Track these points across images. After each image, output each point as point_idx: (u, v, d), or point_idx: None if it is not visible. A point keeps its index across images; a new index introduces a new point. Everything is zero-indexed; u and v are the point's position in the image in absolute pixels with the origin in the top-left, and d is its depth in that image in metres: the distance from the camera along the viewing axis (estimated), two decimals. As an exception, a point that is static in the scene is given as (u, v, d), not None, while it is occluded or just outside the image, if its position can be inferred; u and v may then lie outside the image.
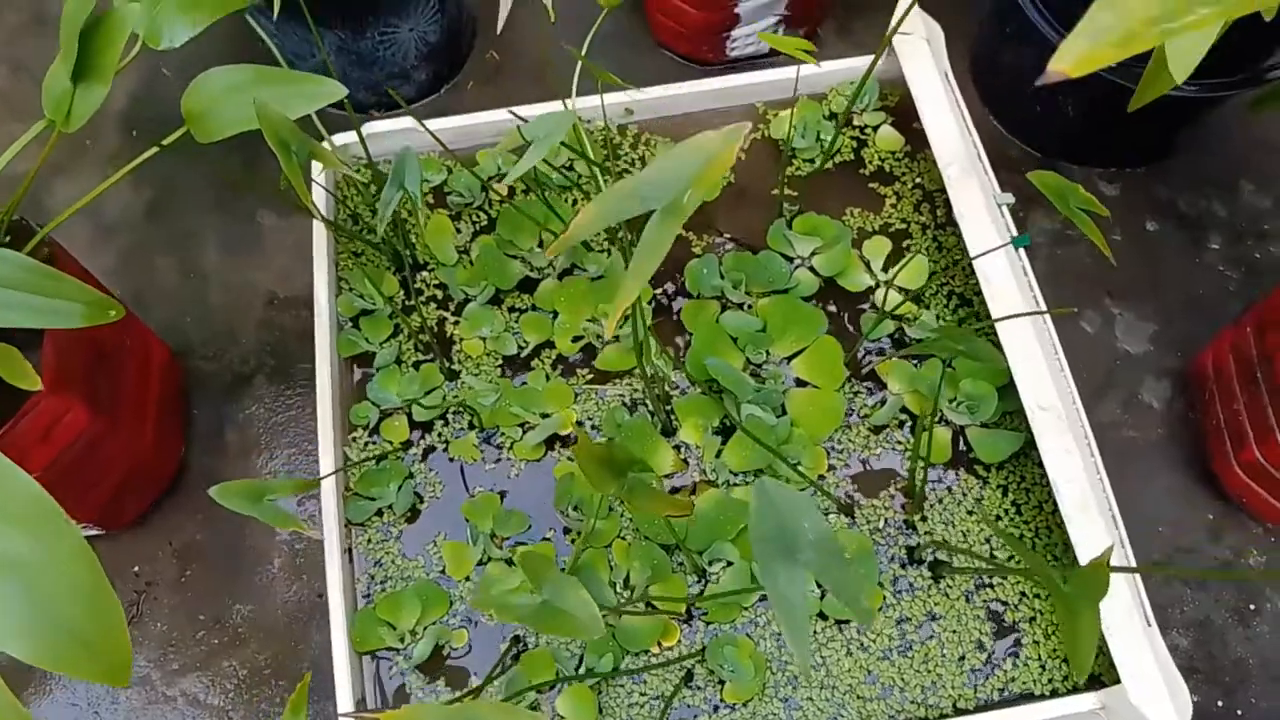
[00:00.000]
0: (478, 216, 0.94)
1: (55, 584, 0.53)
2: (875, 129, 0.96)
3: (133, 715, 0.93)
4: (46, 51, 1.31)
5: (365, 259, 0.92)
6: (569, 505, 0.80)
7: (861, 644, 0.76)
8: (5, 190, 0.96)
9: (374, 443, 0.85)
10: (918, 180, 0.94)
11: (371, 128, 0.92)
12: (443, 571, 0.79)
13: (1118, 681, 0.69)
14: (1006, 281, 0.78)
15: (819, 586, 0.77)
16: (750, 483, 0.81)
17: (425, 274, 0.92)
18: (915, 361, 0.85)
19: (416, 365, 0.87)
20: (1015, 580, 0.77)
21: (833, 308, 0.88)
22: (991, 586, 0.78)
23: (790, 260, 0.90)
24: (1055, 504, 0.74)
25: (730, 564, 0.77)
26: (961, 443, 0.83)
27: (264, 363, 1.08)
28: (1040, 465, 0.76)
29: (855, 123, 0.96)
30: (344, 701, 0.72)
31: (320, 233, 0.87)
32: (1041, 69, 0.99)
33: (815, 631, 0.76)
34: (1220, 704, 0.92)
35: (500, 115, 0.94)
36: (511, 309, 0.90)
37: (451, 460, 0.84)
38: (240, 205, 1.17)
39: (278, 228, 1.16)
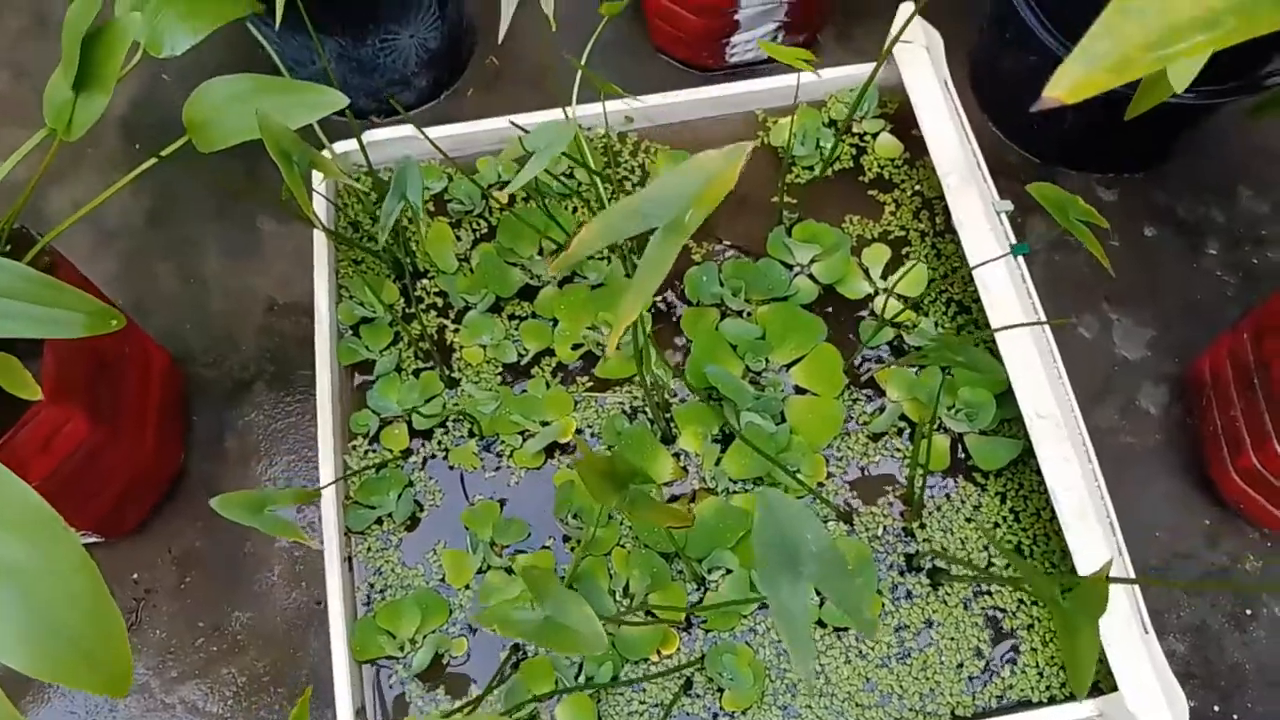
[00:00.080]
0: (478, 224, 0.94)
1: (55, 594, 0.53)
2: (875, 136, 0.97)
3: (133, 722, 0.93)
4: (47, 56, 1.31)
5: (365, 267, 0.92)
6: (569, 513, 0.80)
7: (860, 651, 0.76)
8: (5, 197, 0.96)
9: (374, 451, 0.85)
10: (917, 187, 0.94)
11: (372, 135, 0.93)
12: (442, 580, 0.80)
13: (1115, 689, 0.69)
14: (1005, 290, 0.79)
15: (817, 594, 0.77)
16: (750, 490, 0.81)
17: (425, 282, 0.92)
18: (914, 369, 0.85)
19: (416, 373, 0.87)
20: (1013, 587, 0.78)
21: (832, 315, 0.88)
22: (989, 594, 0.78)
23: (790, 268, 0.90)
24: (1053, 511, 0.74)
25: (730, 572, 0.78)
26: (960, 450, 0.83)
27: (264, 369, 1.08)
28: (1038, 472, 0.76)
29: (855, 130, 0.97)
30: (344, 711, 0.73)
31: (321, 241, 0.88)
32: (1041, 76, 0.99)
33: (814, 639, 0.76)
34: (1216, 709, 0.93)
35: (501, 123, 0.94)
36: (512, 316, 0.90)
37: (451, 468, 0.84)
38: (240, 211, 1.17)
39: (277, 234, 1.16)
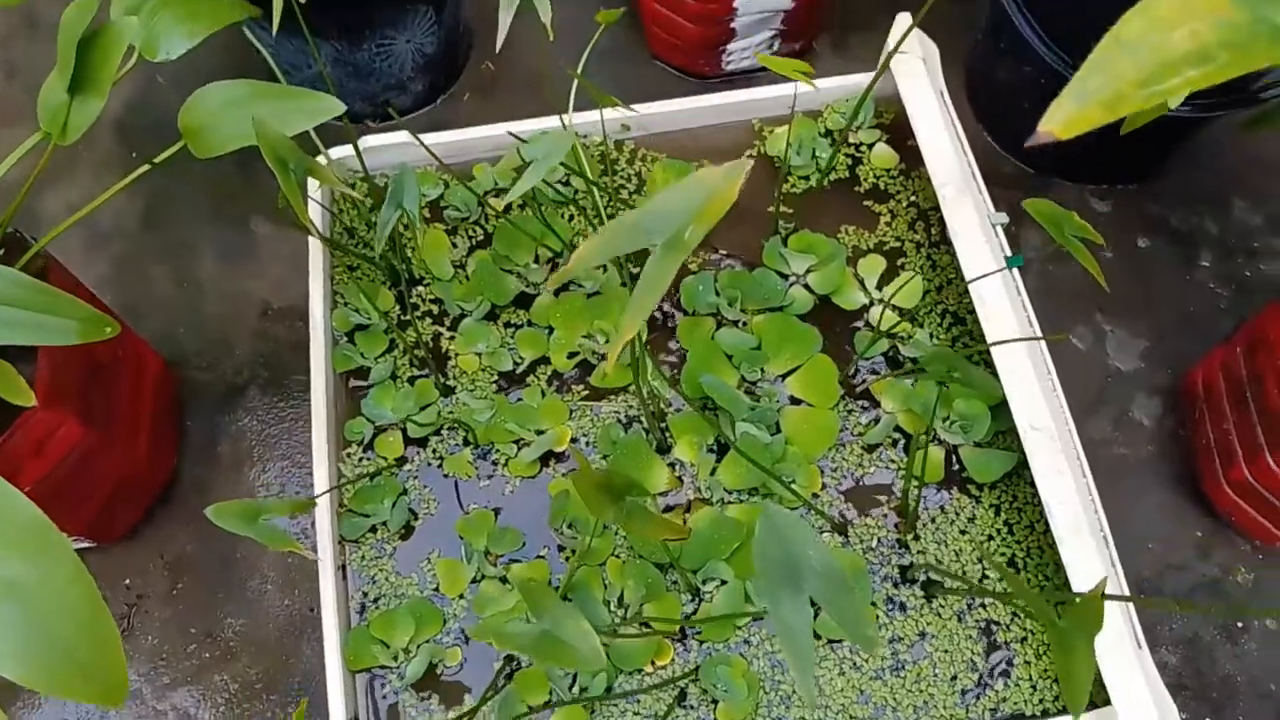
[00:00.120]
0: (474, 231, 0.94)
1: (50, 606, 0.53)
2: (870, 146, 0.97)
3: (123, 728, 0.93)
4: (39, 55, 1.31)
5: (361, 273, 0.92)
6: (563, 523, 0.80)
7: (854, 663, 0.76)
8: (-2, 199, 0.96)
9: (368, 458, 0.85)
10: (912, 198, 0.95)
11: (368, 142, 0.92)
12: (436, 589, 0.79)
13: (1108, 702, 0.70)
14: (1000, 303, 0.79)
15: (811, 604, 0.77)
16: (745, 501, 0.81)
17: (421, 288, 0.92)
18: (909, 380, 0.85)
19: (412, 380, 0.87)
20: (1007, 604, 0.78)
21: (827, 325, 0.88)
22: (984, 606, 0.78)
23: (785, 277, 0.90)
24: (1047, 524, 0.75)
25: (724, 583, 0.78)
26: (954, 462, 0.83)
27: (257, 374, 1.08)
28: (1032, 485, 0.77)
29: (850, 140, 0.97)
30: (338, 720, 0.72)
31: (316, 248, 0.87)
32: (1036, 87, 1.00)
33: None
34: (1208, 721, 0.93)
35: (497, 130, 0.94)
36: (507, 324, 0.90)
37: (446, 476, 0.84)
38: (235, 214, 1.17)
39: (272, 237, 1.16)
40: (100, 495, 0.91)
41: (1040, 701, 0.75)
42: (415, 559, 0.81)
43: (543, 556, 0.81)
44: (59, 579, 0.53)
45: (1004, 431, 0.83)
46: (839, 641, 0.77)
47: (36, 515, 0.53)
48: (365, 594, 0.80)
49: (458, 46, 1.21)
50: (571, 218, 0.94)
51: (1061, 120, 0.27)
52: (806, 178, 0.95)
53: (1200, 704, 0.93)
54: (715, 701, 0.75)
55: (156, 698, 0.94)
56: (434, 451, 0.85)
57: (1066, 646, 0.45)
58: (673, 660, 0.76)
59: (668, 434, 0.84)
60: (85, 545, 0.97)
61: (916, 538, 0.81)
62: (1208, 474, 0.98)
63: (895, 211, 0.94)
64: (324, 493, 0.78)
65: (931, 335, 0.88)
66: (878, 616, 0.78)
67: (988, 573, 0.79)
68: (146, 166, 0.79)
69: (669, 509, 0.82)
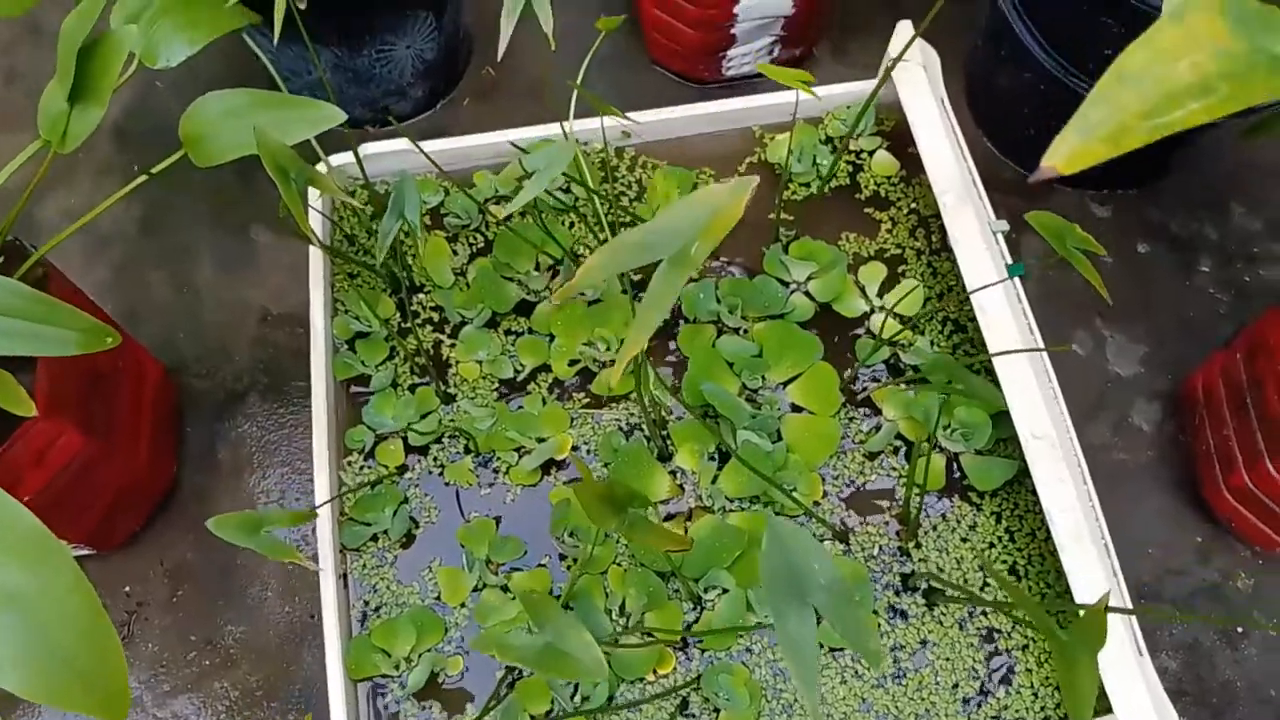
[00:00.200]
0: (474, 238, 0.94)
1: (50, 616, 0.53)
2: (871, 154, 0.97)
3: (124, 737, 0.93)
4: (40, 61, 1.31)
5: (361, 281, 0.91)
6: (565, 531, 0.80)
7: (856, 671, 0.76)
8: (-3, 206, 0.96)
9: (369, 467, 0.85)
10: (913, 205, 0.95)
11: (368, 149, 0.92)
12: (438, 598, 0.79)
13: (1109, 710, 0.70)
14: (1002, 312, 0.79)
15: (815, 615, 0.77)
16: (746, 509, 0.81)
17: (422, 296, 0.91)
18: (910, 388, 0.85)
19: (412, 389, 0.87)
20: (1008, 616, 0.78)
21: (828, 333, 0.88)
22: (985, 613, 0.78)
23: (786, 285, 0.90)
24: (1048, 531, 0.75)
25: (726, 591, 0.78)
26: (955, 469, 0.83)
27: (257, 380, 1.08)
28: (1033, 492, 0.77)
29: (851, 147, 0.97)
30: (339, 729, 0.72)
31: (316, 257, 0.87)
32: (1036, 93, 1.00)
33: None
34: (1209, 727, 0.93)
35: (498, 137, 0.94)
36: (508, 332, 0.90)
37: (447, 484, 0.84)
38: (234, 220, 1.17)
39: (272, 243, 1.16)
40: (101, 504, 0.91)
41: (1042, 709, 0.75)
42: (416, 567, 0.81)
43: (544, 565, 0.81)
44: (59, 588, 0.53)
45: (1005, 439, 0.83)
46: (841, 650, 0.77)
47: (36, 525, 0.53)
48: (367, 603, 0.80)
49: (458, 52, 1.21)
50: (572, 225, 0.94)
51: (1065, 154, 0.27)
52: (807, 185, 0.95)
53: (1201, 709, 0.94)
54: (717, 710, 0.75)
55: (157, 705, 0.94)
56: (435, 459, 0.85)
57: (1070, 660, 0.45)
58: (674, 669, 0.76)
59: (669, 442, 0.84)
60: (85, 553, 0.97)
61: (918, 545, 0.81)
62: (1208, 479, 0.98)
63: (896, 219, 0.94)
64: (325, 503, 0.78)
65: (932, 343, 0.88)
66: (879, 624, 0.78)
67: (989, 580, 0.80)
68: (145, 177, 0.79)
69: (670, 517, 0.82)
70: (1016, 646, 0.77)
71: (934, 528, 0.81)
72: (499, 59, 0.74)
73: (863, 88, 0.96)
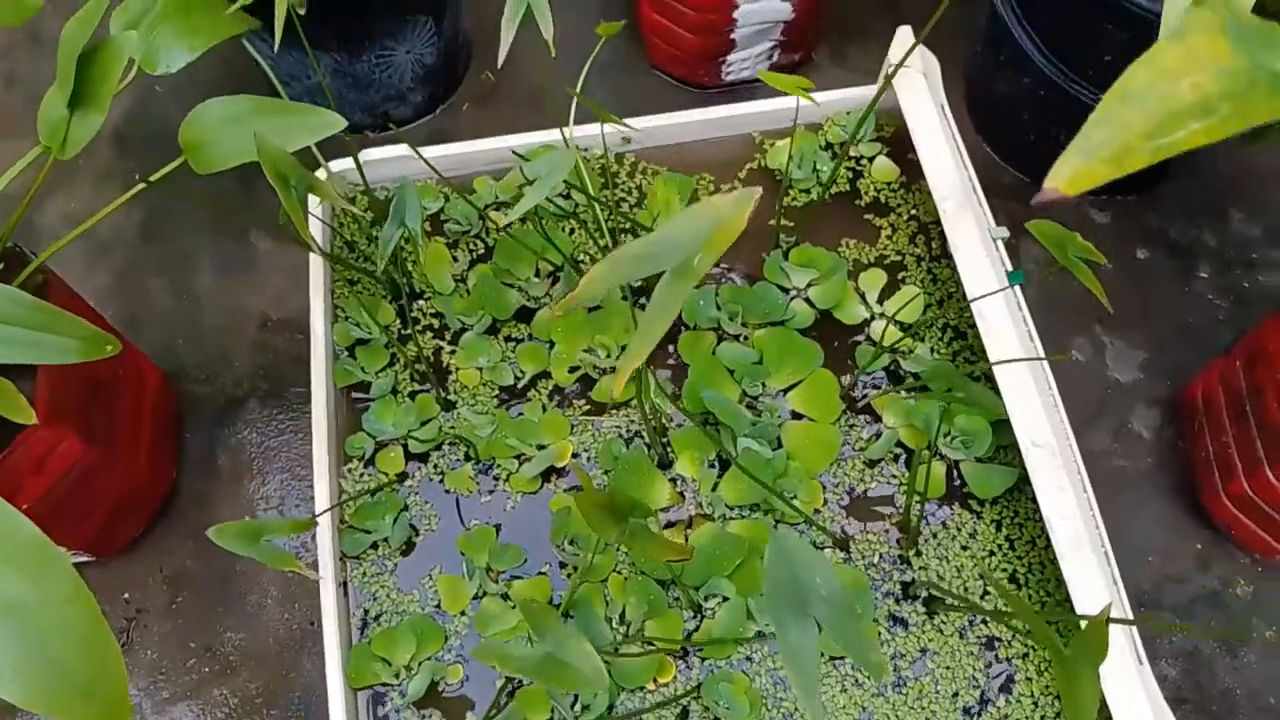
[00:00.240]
0: (475, 245, 0.94)
1: (50, 626, 0.53)
2: (871, 160, 0.97)
3: (123, 743, 0.93)
4: (40, 66, 1.30)
5: (361, 287, 0.91)
6: (565, 539, 0.80)
7: (856, 680, 0.76)
8: (-4, 212, 0.96)
9: (369, 474, 0.84)
10: (913, 212, 0.95)
11: (368, 155, 0.92)
12: (438, 606, 0.79)
13: (1109, 719, 0.70)
14: (1002, 319, 0.79)
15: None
16: (747, 517, 0.81)
17: (422, 302, 0.91)
18: (910, 395, 0.85)
19: (413, 395, 0.87)
20: (1008, 627, 0.78)
21: (828, 339, 0.88)
22: (985, 621, 0.78)
23: (786, 291, 0.90)
24: (1048, 539, 0.75)
25: (726, 599, 0.78)
26: (956, 477, 0.83)
27: (257, 386, 1.08)
28: (1034, 500, 0.77)
29: (851, 153, 0.97)
30: (339, 738, 0.72)
31: (316, 264, 0.87)
32: (1035, 99, 1.00)
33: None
34: (1208, 734, 0.93)
35: (498, 143, 0.94)
36: (508, 339, 0.90)
37: (447, 492, 0.84)
38: (234, 226, 1.17)
39: (272, 250, 1.16)
40: (101, 512, 0.91)
41: (1042, 718, 0.75)
42: (416, 575, 0.81)
43: (544, 573, 0.81)
44: (58, 597, 0.53)
45: (1005, 446, 0.83)
46: (841, 658, 0.77)
47: (35, 534, 0.53)
48: (366, 611, 0.80)
49: (457, 57, 1.21)
50: (572, 231, 0.94)
51: (1068, 176, 0.27)
52: (807, 191, 0.95)
53: (1200, 717, 0.94)
54: (717, 719, 0.75)
55: (156, 712, 0.94)
56: (435, 467, 0.85)
57: (1071, 673, 0.45)
58: (675, 677, 0.76)
59: (669, 449, 0.84)
60: (85, 559, 0.97)
61: (918, 553, 0.81)
62: (1207, 487, 0.98)
63: (896, 225, 0.94)
64: (325, 511, 0.77)
65: (932, 349, 0.88)
66: (880, 633, 0.78)
67: (989, 588, 0.79)
68: (144, 185, 0.79)
69: (671, 525, 0.82)
70: (1017, 655, 0.77)
71: (934, 535, 0.81)
72: (499, 66, 0.74)
73: (862, 93, 0.96)
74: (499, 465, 0.84)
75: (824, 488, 0.83)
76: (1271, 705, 0.94)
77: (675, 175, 0.95)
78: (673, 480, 0.83)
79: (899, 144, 0.97)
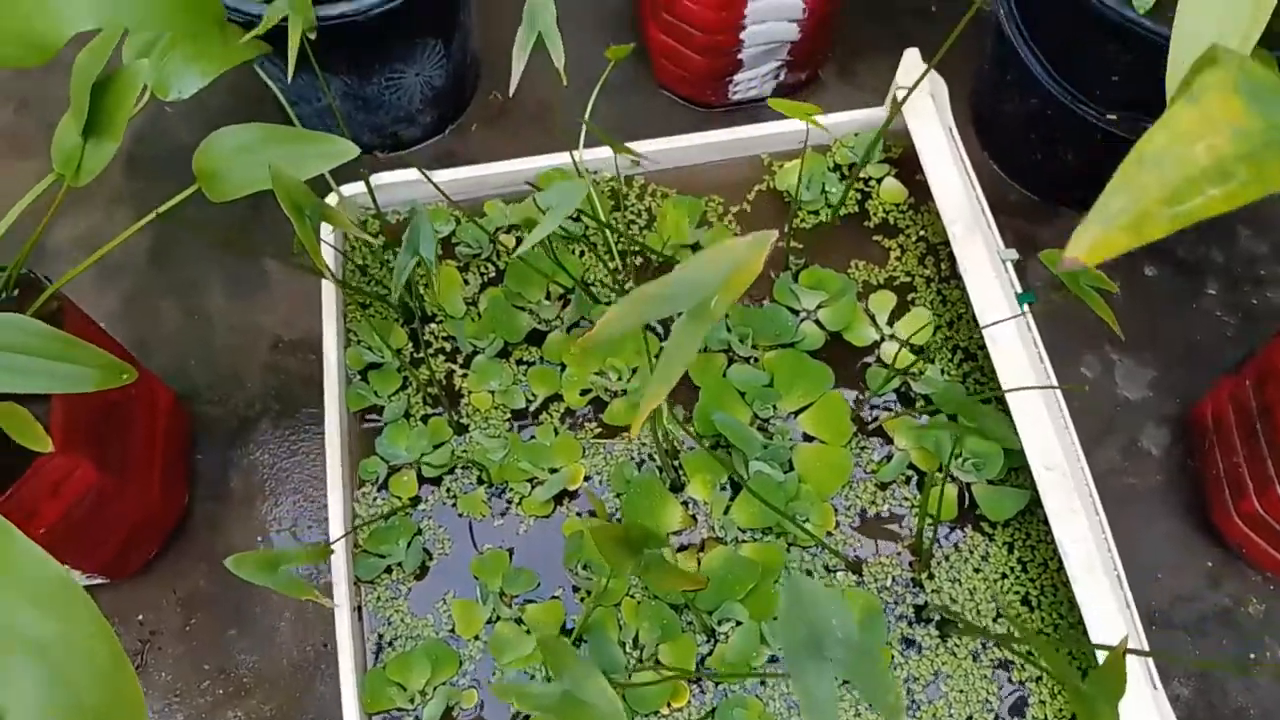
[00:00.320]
0: (485, 268, 0.94)
1: (76, 666, 0.53)
2: (879, 181, 0.97)
3: (137, 766, 0.93)
4: (51, 89, 1.31)
5: (374, 311, 0.92)
6: (578, 564, 0.80)
7: (870, 703, 0.76)
8: (9, 237, 0.96)
9: (382, 498, 0.85)
10: (921, 233, 0.95)
11: (380, 179, 0.93)
12: (452, 630, 0.80)
13: (1124, 744, 0.70)
14: (1013, 344, 0.79)
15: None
16: (759, 540, 0.81)
17: (434, 326, 0.92)
18: (921, 418, 0.86)
19: (425, 419, 0.87)
20: (1022, 656, 0.78)
21: (838, 361, 0.89)
22: (998, 645, 0.79)
23: (796, 313, 0.91)
24: (1060, 562, 0.75)
25: (739, 624, 0.78)
26: (967, 499, 0.83)
27: (269, 407, 1.08)
28: (1045, 522, 0.77)
29: (859, 174, 0.97)
30: (355, 764, 0.72)
31: (329, 290, 0.88)
32: (1042, 118, 1.01)
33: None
34: (1221, 754, 0.93)
35: (508, 166, 0.94)
36: (520, 362, 0.90)
37: (460, 516, 0.84)
38: (244, 246, 1.17)
39: (282, 270, 1.16)
40: (116, 536, 0.91)
41: (1056, 741, 0.75)
42: (430, 600, 0.81)
43: (557, 597, 0.81)
44: (81, 635, 0.53)
45: (1016, 468, 0.83)
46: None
47: (58, 571, 0.53)
48: (381, 635, 0.80)
49: (465, 79, 1.22)
50: (582, 254, 0.94)
51: (1087, 245, 0.27)
52: (816, 213, 0.96)
53: (1213, 736, 0.94)
54: (731, 743, 0.75)
55: (170, 735, 0.94)
56: (448, 490, 0.85)
57: (1090, 710, 0.45)
58: (689, 702, 0.76)
59: (681, 472, 0.84)
60: (98, 582, 0.97)
61: (931, 576, 0.81)
62: (1217, 505, 0.98)
63: (905, 246, 0.94)
64: (339, 538, 0.78)
65: (943, 371, 0.88)
66: (893, 656, 0.78)
67: (1002, 611, 0.80)
68: (154, 215, 0.80)
69: (683, 548, 0.82)
70: (1030, 678, 0.77)
71: (946, 558, 0.81)
72: (510, 94, 0.75)
73: (870, 115, 0.97)
74: (511, 489, 0.85)
75: (836, 510, 0.83)
76: (1284, 725, 0.94)
77: (685, 198, 0.96)
78: (685, 503, 0.83)
79: (907, 165, 0.98)
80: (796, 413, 0.87)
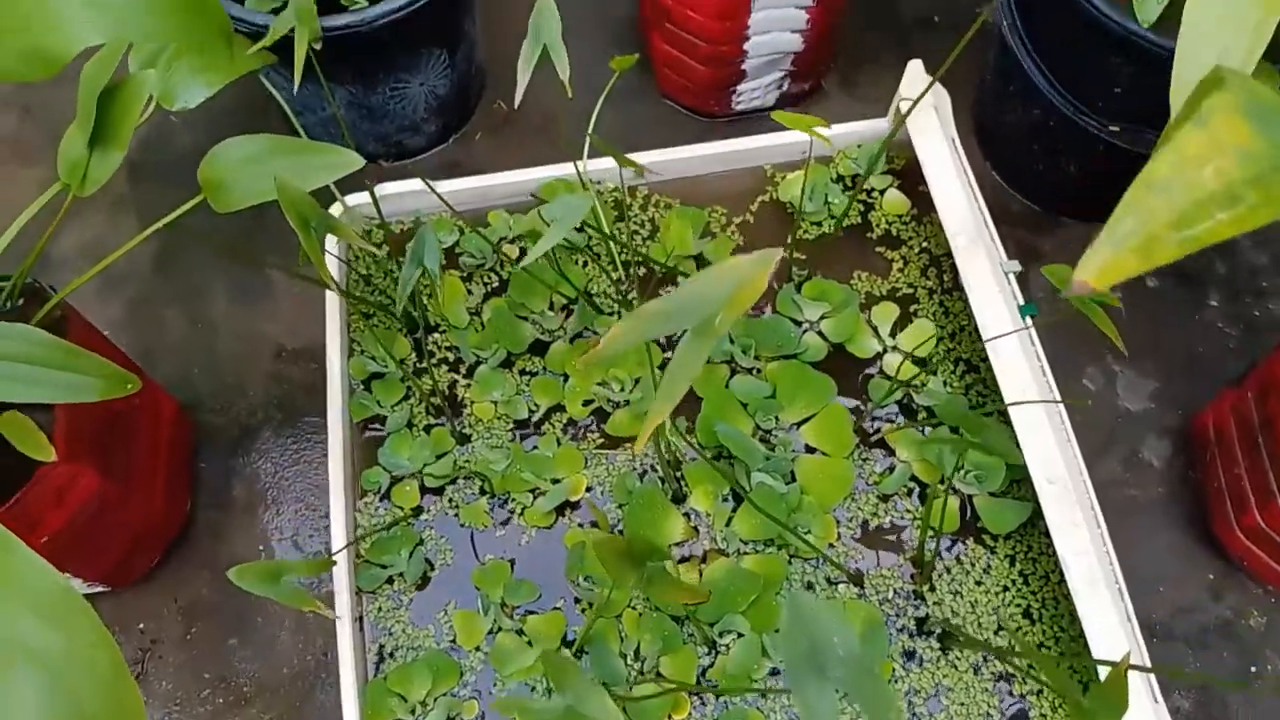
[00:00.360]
0: (489, 278, 0.94)
1: (77, 676, 0.53)
2: (882, 192, 0.97)
3: (138, 775, 0.93)
4: (54, 96, 1.32)
5: (377, 320, 0.92)
6: (580, 575, 0.80)
7: None
8: (13, 245, 0.97)
9: (384, 508, 0.85)
10: (924, 244, 0.95)
11: (384, 189, 0.93)
12: (453, 641, 0.80)
13: (1126, 758, 0.70)
14: (1016, 357, 0.79)
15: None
16: (761, 552, 0.81)
17: (437, 335, 0.92)
18: (923, 429, 0.86)
19: (428, 429, 0.87)
20: (1023, 672, 0.78)
21: (841, 373, 0.89)
22: (999, 658, 0.79)
23: (799, 324, 0.91)
24: (1062, 575, 0.75)
25: (741, 636, 0.78)
26: (969, 512, 0.83)
27: (271, 416, 1.09)
28: (1047, 535, 0.77)
29: (862, 186, 0.97)
30: (356, 775, 0.72)
31: (333, 302, 0.88)
32: (1045, 129, 1.01)
33: None
34: (1223, 767, 0.93)
35: (512, 177, 0.94)
36: (523, 372, 0.90)
37: (462, 526, 0.84)
38: (248, 255, 1.18)
39: (285, 277, 1.16)
40: (119, 544, 0.91)
41: (1057, 755, 0.75)
42: (432, 610, 0.81)
43: (559, 608, 0.81)
44: (83, 646, 0.53)
45: (1018, 481, 0.83)
46: (855, 694, 0.77)
47: (60, 582, 0.54)
48: (382, 646, 0.80)
49: (470, 88, 1.22)
50: (586, 264, 0.94)
51: (1096, 268, 0.28)
52: (819, 224, 0.96)
53: (1214, 749, 0.93)
54: (733, 755, 0.75)
55: (171, 744, 0.94)
56: (450, 500, 0.85)
57: (1093, 729, 0.45)
58: (690, 714, 0.76)
59: (683, 483, 0.85)
60: (100, 590, 0.97)
61: (932, 588, 0.81)
62: (1219, 517, 0.98)
63: (907, 258, 0.94)
64: (341, 549, 0.78)
65: (945, 383, 0.88)
66: (894, 669, 0.78)
67: (1003, 624, 0.80)
68: (159, 226, 0.80)
69: (685, 560, 0.82)
70: (1031, 691, 0.77)
71: (948, 570, 0.81)
72: (516, 106, 0.75)
73: (873, 127, 0.97)
74: (513, 499, 0.85)
75: (838, 522, 0.83)
76: (1286, 738, 0.94)
77: (688, 209, 0.96)
78: (687, 515, 0.83)
79: (909, 176, 0.98)
80: (799, 424, 0.87)
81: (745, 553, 0.82)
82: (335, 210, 0.92)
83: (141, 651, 0.98)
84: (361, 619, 0.81)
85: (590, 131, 0.77)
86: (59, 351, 0.69)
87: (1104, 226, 0.28)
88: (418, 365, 0.91)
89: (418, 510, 0.85)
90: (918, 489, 0.85)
